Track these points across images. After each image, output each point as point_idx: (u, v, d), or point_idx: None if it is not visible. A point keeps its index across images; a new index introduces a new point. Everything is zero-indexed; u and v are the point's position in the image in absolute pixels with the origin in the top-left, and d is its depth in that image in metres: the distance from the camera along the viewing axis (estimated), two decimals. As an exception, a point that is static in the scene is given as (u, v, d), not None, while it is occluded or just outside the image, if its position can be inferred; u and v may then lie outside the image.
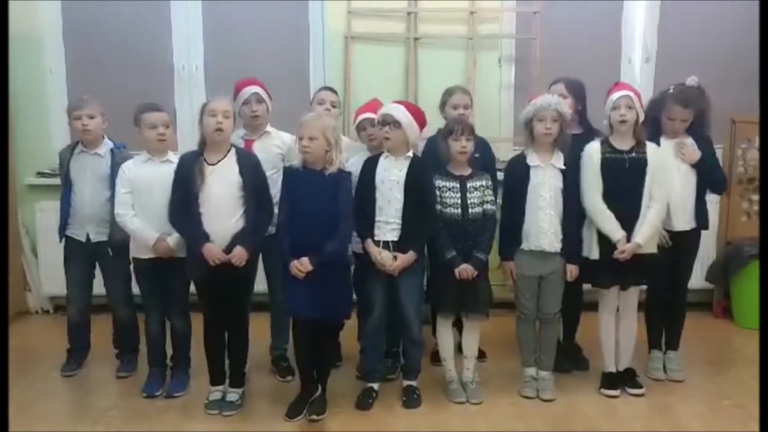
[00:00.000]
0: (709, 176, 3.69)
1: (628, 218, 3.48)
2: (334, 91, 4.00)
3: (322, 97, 3.89)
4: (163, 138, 3.48)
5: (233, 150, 3.41)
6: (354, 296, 3.55)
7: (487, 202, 3.51)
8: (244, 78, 3.82)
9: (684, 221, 3.68)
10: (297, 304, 3.29)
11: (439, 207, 3.46)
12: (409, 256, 3.39)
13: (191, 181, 3.30)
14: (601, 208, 3.48)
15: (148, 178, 3.49)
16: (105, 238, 3.70)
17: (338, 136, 3.36)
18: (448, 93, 3.96)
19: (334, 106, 3.88)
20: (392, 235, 3.40)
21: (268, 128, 3.79)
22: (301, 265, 3.21)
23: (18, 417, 3.30)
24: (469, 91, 4.05)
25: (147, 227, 3.47)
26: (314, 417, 3.35)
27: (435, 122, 4.07)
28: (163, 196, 3.42)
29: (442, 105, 3.97)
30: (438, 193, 3.46)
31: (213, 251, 3.29)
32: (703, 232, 3.83)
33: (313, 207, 3.26)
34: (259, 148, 3.71)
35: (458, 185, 3.47)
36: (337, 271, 3.31)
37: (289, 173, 3.36)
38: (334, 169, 3.29)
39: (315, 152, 3.24)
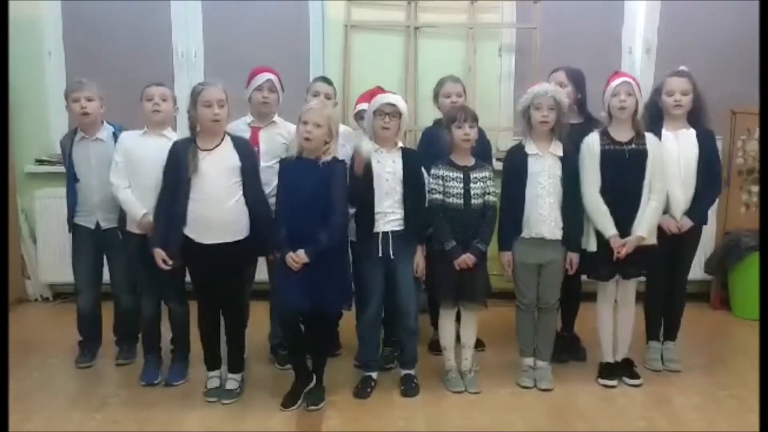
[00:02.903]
0: (707, 176, 3.65)
1: (628, 210, 3.48)
2: (329, 82, 3.96)
3: (317, 89, 3.84)
4: (156, 108, 3.48)
5: (228, 137, 3.39)
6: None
7: (489, 193, 3.50)
8: (260, 66, 3.80)
9: (682, 213, 3.66)
10: (290, 295, 3.28)
11: (441, 196, 3.46)
12: (420, 254, 3.48)
13: (183, 168, 3.28)
14: (598, 204, 3.48)
15: (142, 152, 3.49)
16: (115, 225, 3.68)
17: (338, 127, 3.36)
18: (440, 83, 3.99)
19: (328, 98, 3.82)
20: (392, 226, 3.42)
21: (275, 118, 3.78)
22: (297, 257, 3.21)
23: (17, 404, 3.30)
24: (460, 80, 4.03)
25: (137, 201, 3.49)
26: (312, 407, 3.36)
27: (431, 113, 4.09)
28: (156, 171, 3.40)
29: (435, 96, 3.99)
30: (441, 182, 3.46)
31: (157, 258, 3.33)
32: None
33: (308, 196, 3.25)
34: (264, 137, 3.71)
35: (461, 175, 3.46)
36: (331, 261, 3.30)
37: (285, 165, 3.36)
38: (329, 158, 3.28)
39: (316, 140, 3.24)
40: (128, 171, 3.51)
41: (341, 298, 3.42)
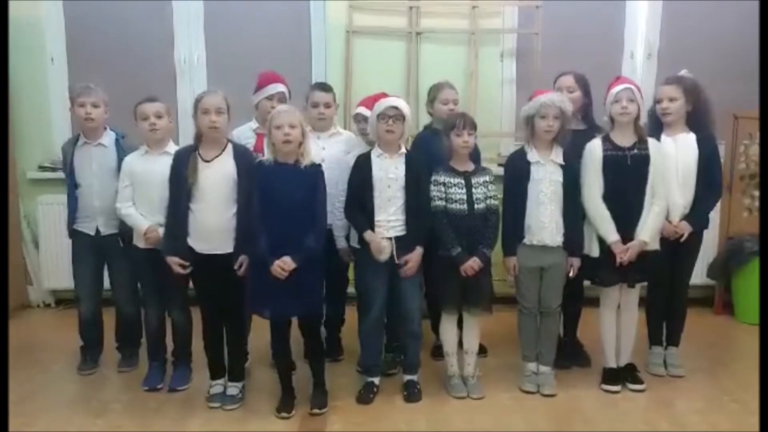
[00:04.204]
0: (707, 180, 3.65)
1: (630, 215, 3.48)
2: (328, 89, 3.88)
3: (317, 100, 3.78)
4: (154, 128, 3.48)
5: (230, 145, 3.38)
6: (353, 290, 3.57)
7: (490, 197, 3.50)
8: (269, 71, 3.82)
9: (680, 217, 3.65)
10: (273, 303, 3.24)
11: (444, 203, 3.45)
12: (418, 254, 3.41)
13: (184, 177, 3.28)
14: (600, 210, 3.48)
15: (145, 172, 3.51)
16: (115, 231, 3.69)
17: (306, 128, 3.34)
18: (437, 88, 3.97)
19: (328, 107, 3.79)
20: (394, 232, 3.40)
21: None
22: (285, 265, 3.16)
23: (19, 410, 3.31)
24: (454, 87, 4.02)
25: (140, 216, 3.51)
26: (316, 411, 3.35)
27: (423, 119, 4.09)
28: (160, 189, 3.42)
29: (431, 101, 3.98)
30: (443, 189, 3.45)
31: (172, 265, 3.35)
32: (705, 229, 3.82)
33: (292, 201, 3.20)
34: (269, 142, 3.70)
35: (463, 181, 3.46)
36: (318, 264, 3.30)
37: (262, 169, 3.27)
38: (309, 162, 3.26)
39: (295, 141, 3.19)
40: (135, 192, 3.53)
41: (321, 301, 3.40)
